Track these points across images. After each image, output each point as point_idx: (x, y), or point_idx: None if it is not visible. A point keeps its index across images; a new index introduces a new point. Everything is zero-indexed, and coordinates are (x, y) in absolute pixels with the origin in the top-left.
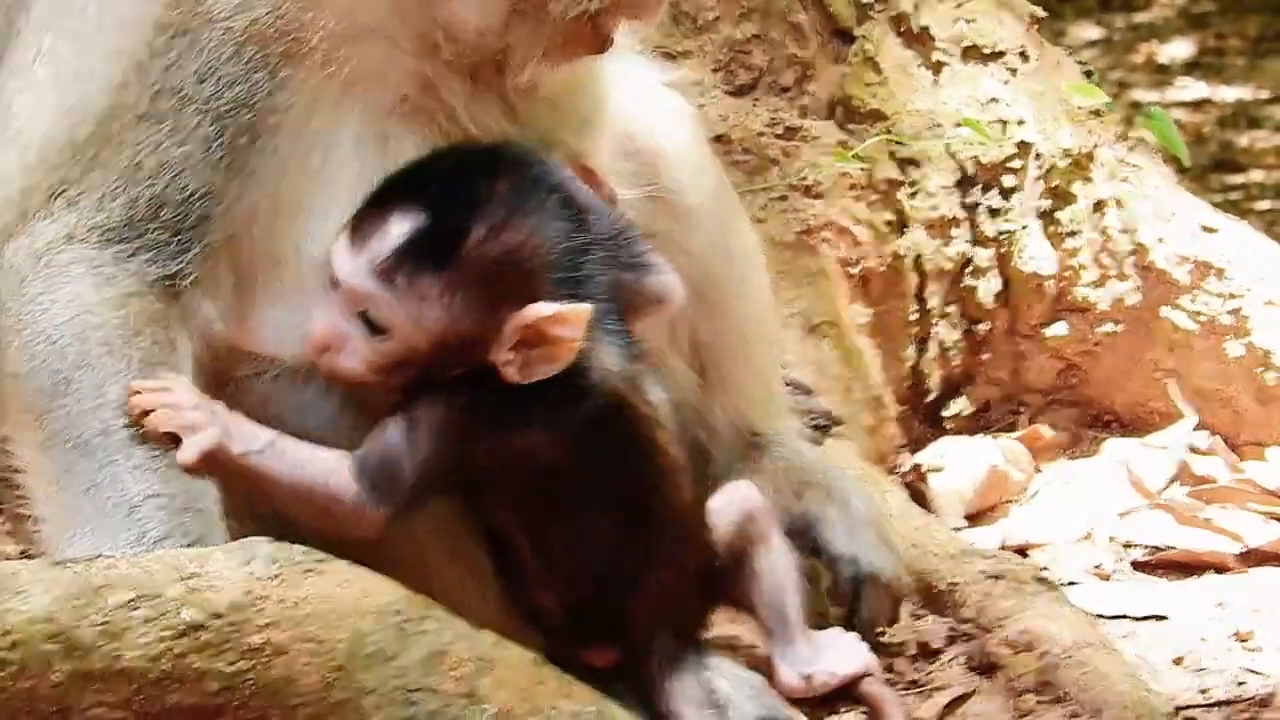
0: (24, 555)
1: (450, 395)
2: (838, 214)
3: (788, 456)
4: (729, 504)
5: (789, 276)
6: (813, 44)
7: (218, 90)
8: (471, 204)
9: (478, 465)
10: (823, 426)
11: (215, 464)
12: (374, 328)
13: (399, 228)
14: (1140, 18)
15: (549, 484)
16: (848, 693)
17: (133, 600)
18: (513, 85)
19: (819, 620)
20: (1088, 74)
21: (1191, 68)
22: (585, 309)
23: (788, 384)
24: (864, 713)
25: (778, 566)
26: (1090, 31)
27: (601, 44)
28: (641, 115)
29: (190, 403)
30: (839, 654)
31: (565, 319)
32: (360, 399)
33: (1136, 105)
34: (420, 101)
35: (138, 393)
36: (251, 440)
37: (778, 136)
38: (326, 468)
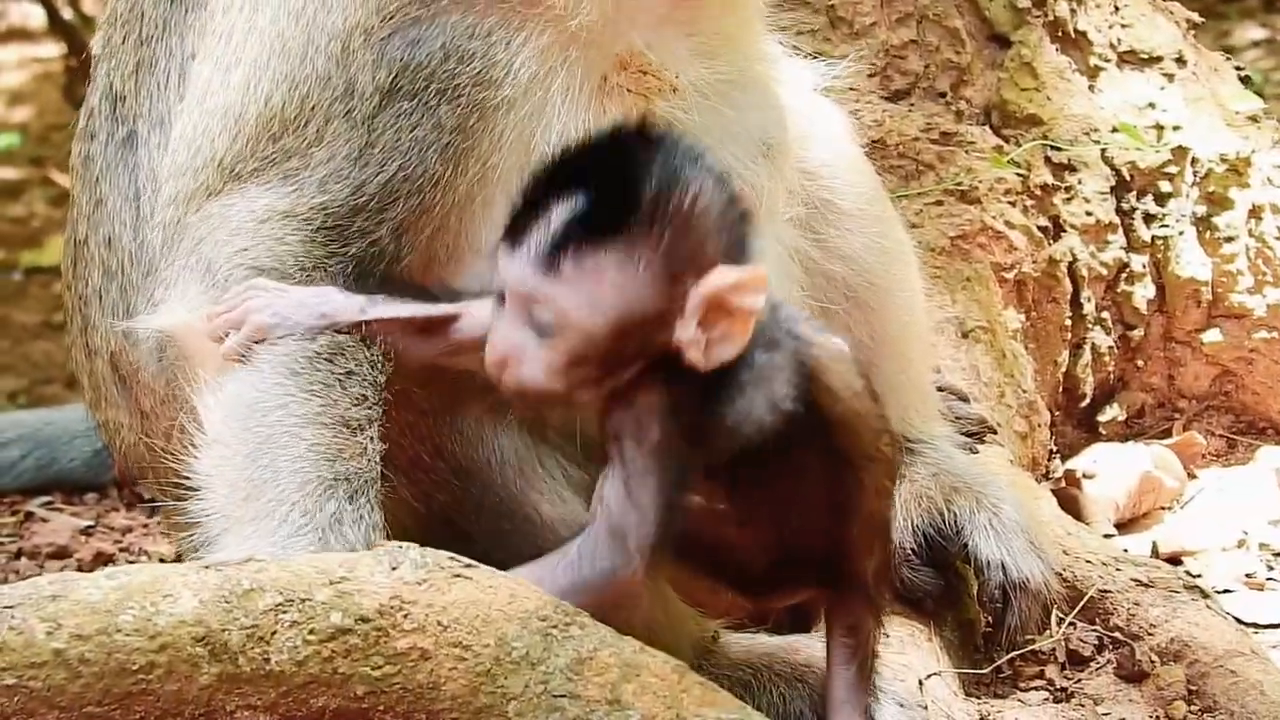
0: (178, 557)
1: (653, 411)
2: (993, 219)
3: (939, 461)
4: None
5: (943, 282)
6: (969, 49)
7: (458, 67)
8: (635, 174)
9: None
10: (976, 433)
11: None
12: (546, 328)
13: (559, 212)
14: None
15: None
16: None
17: (281, 604)
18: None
19: (969, 625)
20: (1245, 80)
21: None
22: (764, 272)
23: (941, 389)
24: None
25: None
26: (1255, 32)
27: None
28: (798, 120)
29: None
30: None
31: (747, 284)
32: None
33: None
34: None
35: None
36: None
37: (933, 141)
38: (570, 562)
